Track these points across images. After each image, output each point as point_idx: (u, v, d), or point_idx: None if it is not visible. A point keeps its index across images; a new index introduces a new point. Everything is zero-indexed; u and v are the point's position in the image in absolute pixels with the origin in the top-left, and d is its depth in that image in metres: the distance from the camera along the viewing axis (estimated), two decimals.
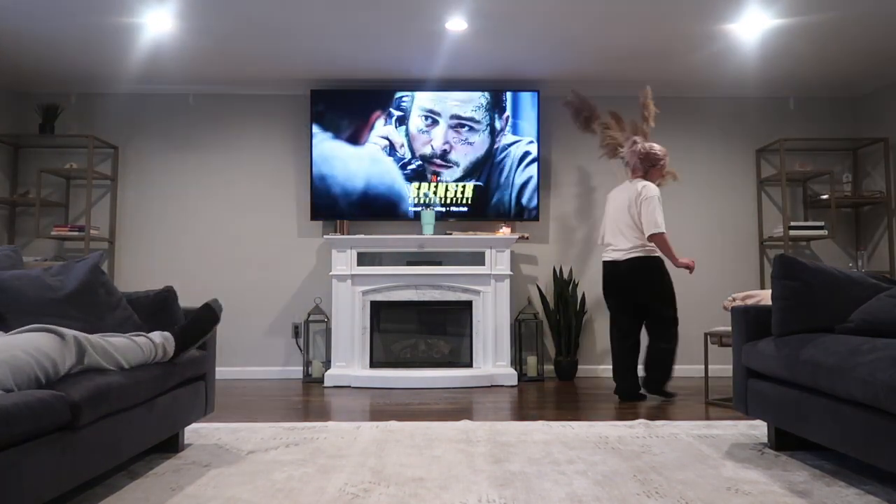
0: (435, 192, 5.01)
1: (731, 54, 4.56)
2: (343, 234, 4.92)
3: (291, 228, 5.21)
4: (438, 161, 5.01)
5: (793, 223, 5.05)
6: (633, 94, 5.28)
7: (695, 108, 5.33)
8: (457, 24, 4.06)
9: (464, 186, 5.04)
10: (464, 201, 5.04)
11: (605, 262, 4.12)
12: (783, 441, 2.61)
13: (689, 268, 3.97)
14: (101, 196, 5.18)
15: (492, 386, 4.58)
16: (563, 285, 4.93)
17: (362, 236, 4.78)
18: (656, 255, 3.97)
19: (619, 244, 4.02)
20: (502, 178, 5.04)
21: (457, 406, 3.77)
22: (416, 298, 4.81)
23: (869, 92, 5.23)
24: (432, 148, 5.02)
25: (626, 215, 3.99)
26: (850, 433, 2.01)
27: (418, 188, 5.01)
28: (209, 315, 2.43)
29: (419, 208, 4.98)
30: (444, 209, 5.03)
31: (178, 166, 5.22)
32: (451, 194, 5.04)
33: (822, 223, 5.03)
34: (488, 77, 5.06)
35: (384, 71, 4.94)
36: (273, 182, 5.23)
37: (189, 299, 5.04)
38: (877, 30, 4.12)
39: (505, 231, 4.94)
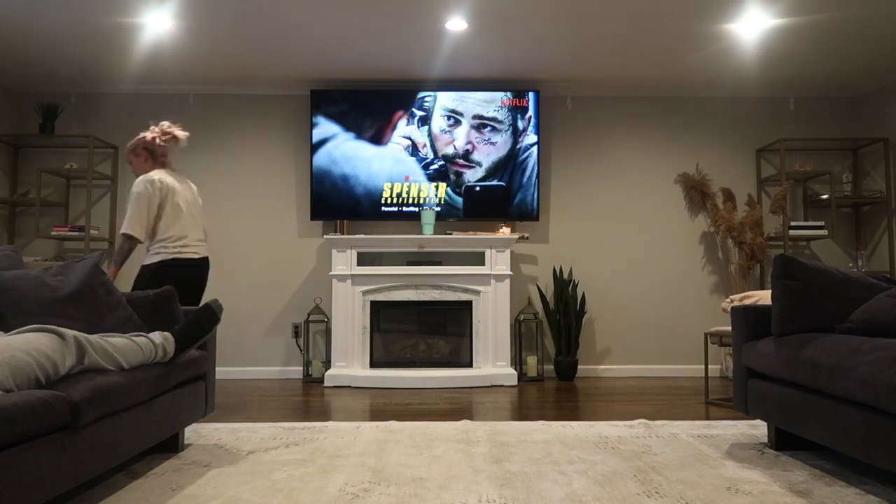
0: (458, 193, 5.02)
1: (731, 54, 4.56)
2: (343, 234, 4.91)
3: (291, 228, 5.21)
4: (461, 161, 5.01)
5: (793, 223, 5.05)
6: (634, 94, 5.29)
7: (695, 107, 5.33)
8: (457, 24, 4.06)
9: (482, 187, 5.04)
10: (484, 201, 5.04)
11: (195, 259, 3.38)
12: (783, 441, 2.61)
13: None
14: (101, 196, 5.18)
15: (492, 386, 4.58)
16: (563, 285, 4.93)
17: (362, 236, 4.77)
18: None
19: (201, 237, 3.48)
20: (524, 179, 5.04)
21: (457, 406, 3.77)
22: (416, 298, 4.80)
23: (869, 92, 5.23)
24: (455, 148, 5.02)
25: (198, 208, 3.52)
26: (850, 433, 2.01)
27: (444, 188, 5.01)
28: (209, 315, 2.43)
29: (439, 208, 4.99)
30: (462, 209, 5.03)
31: (177, 166, 5.21)
32: (472, 194, 5.04)
33: (822, 223, 5.03)
34: (489, 77, 5.06)
35: (384, 70, 4.94)
36: (273, 182, 5.22)
37: None
38: (876, 30, 4.13)
39: (505, 231, 4.94)
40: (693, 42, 4.36)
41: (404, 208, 5.02)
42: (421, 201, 5.02)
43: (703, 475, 2.25)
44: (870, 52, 4.51)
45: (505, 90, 5.08)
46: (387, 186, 5.02)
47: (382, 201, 5.02)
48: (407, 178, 5.00)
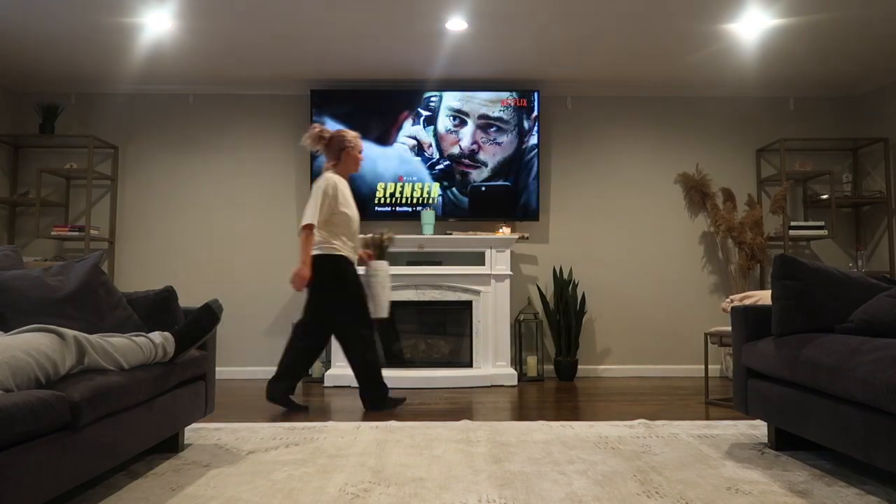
0: (462, 193, 5.02)
1: (731, 54, 4.56)
2: None
3: (292, 228, 5.21)
4: (466, 161, 5.02)
5: (793, 223, 5.06)
6: (634, 94, 5.30)
7: (695, 107, 5.33)
8: (457, 24, 4.06)
9: (485, 187, 5.05)
10: (490, 201, 5.05)
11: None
12: (783, 441, 2.61)
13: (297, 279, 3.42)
14: (101, 196, 5.18)
15: (492, 386, 4.58)
16: (563, 285, 4.93)
17: (361, 236, 4.77)
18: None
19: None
20: (530, 179, 5.04)
21: (457, 406, 3.77)
22: (416, 298, 4.80)
23: (869, 92, 5.23)
24: (460, 148, 5.02)
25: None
26: (850, 433, 2.01)
27: (448, 188, 5.02)
28: (209, 315, 2.43)
29: (444, 208, 5.00)
30: (468, 209, 5.03)
31: (178, 166, 5.21)
32: (478, 194, 5.04)
33: (822, 223, 5.03)
34: (489, 77, 5.06)
35: (385, 71, 4.94)
36: (273, 182, 5.22)
37: (189, 299, 5.05)
38: (876, 30, 4.13)
39: (505, 231, 4.94)
40: (693, 42, 4.36)
41: (398, 208, 5.02)
42: (419, 201, 5.02)
43: (703, 475, 2.25)
44: (870, 52, 4.52)
45: (507, 90, 5.08)
46: (380, 186, 5.02)
47: (376, 202, 5.02)
48: (401, 179, 5.00)
